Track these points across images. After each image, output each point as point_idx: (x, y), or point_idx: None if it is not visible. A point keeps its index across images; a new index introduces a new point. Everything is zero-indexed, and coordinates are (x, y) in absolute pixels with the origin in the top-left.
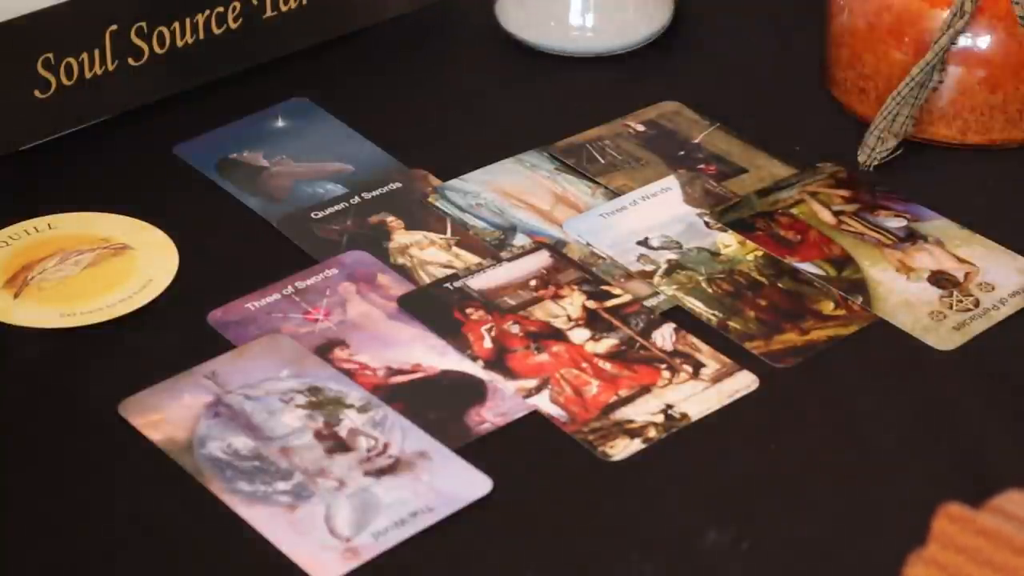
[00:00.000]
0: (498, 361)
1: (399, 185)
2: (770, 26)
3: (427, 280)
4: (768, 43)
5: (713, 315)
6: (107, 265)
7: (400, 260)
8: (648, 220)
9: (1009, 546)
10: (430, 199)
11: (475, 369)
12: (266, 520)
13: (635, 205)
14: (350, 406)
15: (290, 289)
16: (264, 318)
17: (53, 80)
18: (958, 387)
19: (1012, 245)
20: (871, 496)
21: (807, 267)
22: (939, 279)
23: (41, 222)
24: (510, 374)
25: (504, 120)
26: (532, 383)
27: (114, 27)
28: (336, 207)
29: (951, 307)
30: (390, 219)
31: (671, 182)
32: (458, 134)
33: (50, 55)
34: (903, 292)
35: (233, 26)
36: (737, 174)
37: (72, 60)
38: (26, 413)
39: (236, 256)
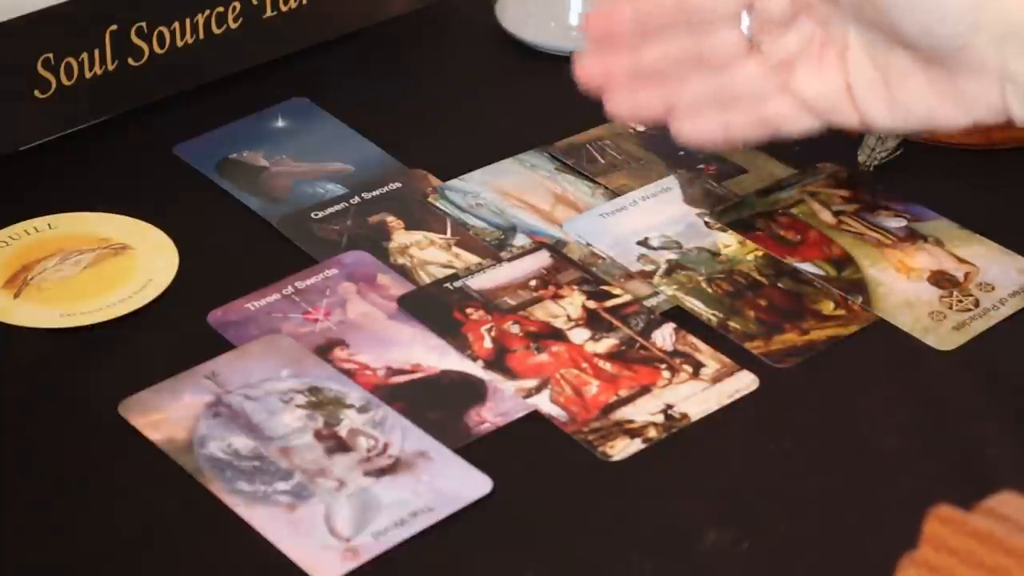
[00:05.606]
0: (498, 361)
1: (399, 185)
2: None
3: (427, 280)
4: None
5: (713, 315)
6: (107, 265)
7: (400, 260)
8: (648, 220)
9: (1001, 548)
10: (430, 199)
11: (475, 369)
12: (266, 520)
13: (635, 205)
14: (350, 406)
15: (290, 289)
16: (264, 318)
17: (53, 80)
18: (958, 387)
19: (1012, 245)
20: (870, 496)
21: (807, 267)
22: (939, 279)
23: (41, 222)
24: (510, 374)
25: (504, 120)
26: (532, 383)
27: (114, 27)
28: (336, 207)
29: (951, 307)
30: (390, 219)
31: (671, 182)
32: (458, 134)
33: (50, 55)
34: (903, 292)
35: (233, 26)
36: (737, 174)
37: (72, 60)
38: (26, 413)
39: (236, 256)
